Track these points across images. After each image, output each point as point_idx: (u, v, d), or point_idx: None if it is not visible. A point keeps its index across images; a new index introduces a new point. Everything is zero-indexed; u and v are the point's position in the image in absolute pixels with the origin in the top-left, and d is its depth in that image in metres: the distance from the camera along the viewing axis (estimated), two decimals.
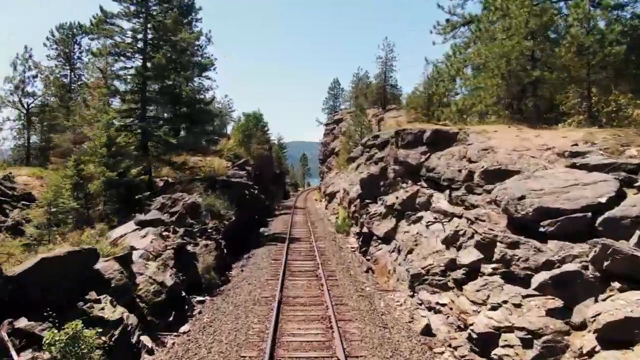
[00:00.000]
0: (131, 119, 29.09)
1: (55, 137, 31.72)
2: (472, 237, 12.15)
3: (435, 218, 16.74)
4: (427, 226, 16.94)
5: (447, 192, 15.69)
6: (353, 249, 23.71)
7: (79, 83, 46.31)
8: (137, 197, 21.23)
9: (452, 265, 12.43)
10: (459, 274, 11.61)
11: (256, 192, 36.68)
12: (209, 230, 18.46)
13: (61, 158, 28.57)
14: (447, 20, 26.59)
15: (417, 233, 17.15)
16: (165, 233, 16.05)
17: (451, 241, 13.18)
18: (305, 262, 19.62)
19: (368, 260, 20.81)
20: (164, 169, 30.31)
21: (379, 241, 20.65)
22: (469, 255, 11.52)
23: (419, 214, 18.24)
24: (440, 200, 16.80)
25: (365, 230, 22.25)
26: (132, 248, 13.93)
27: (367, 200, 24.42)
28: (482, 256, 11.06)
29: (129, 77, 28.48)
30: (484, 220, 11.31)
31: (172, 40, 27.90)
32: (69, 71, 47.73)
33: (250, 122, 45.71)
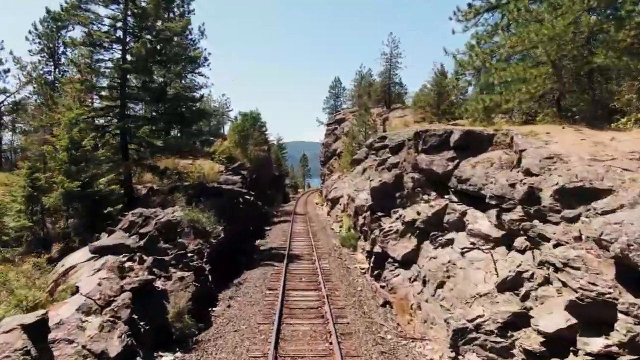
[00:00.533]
0: (109, 118, 25.37)
1: (23, 138, 27.91)
2: (546, 283, 8.39)
3: (473, 244, 13.00)
4: (462, 253, 13.20)
5: (493, 212, 11.91)
6: (363, 271, 19.95)
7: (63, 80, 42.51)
8: (107, 210, 17.48)
9: (516, 322, 8.67)
10: (533, 342, 7.85)
11: (252, 199, 32.91)
12: (189, 255, 14.66)
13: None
14: (469, 5, 22.70)
15: (449, 262, 13.39)
16: (128, 264, 12.27)
17: (511, 286, 9.43)
18: (307, 292, 15.85)
19: (383, 287, 17.03)
20: (148, 175, 26.54)
21: (396, 264, 16.89)
22: (550, 316, 7.76)
23: (449, 236, 14.49)
24: (480, 221, 13.04)
25: (377, 249, 18.49)
26: (77, 290, 10.18)
27: (379, 213, 20.65)
28: (575, 321, 7.30)
29: (106, 70, 24.74)
30: (577, 268, 7.52)
31: (154, 28, 24.09)
32: (53, 67, 43.92)
33: (246, 122, 41.92)
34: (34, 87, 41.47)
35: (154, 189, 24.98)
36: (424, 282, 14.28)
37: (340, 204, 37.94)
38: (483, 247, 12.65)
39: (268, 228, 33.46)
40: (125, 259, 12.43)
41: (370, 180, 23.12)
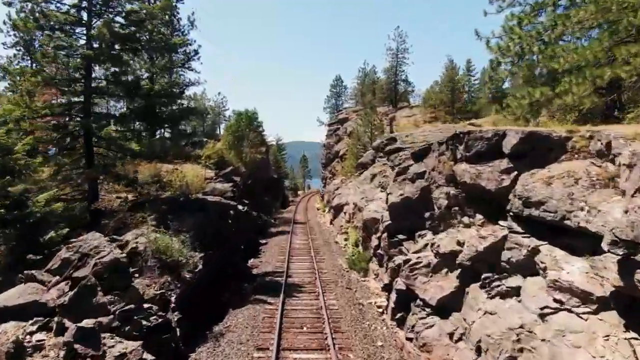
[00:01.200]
0: (72, 115, 20.94)
1: None
2: None
3: (560, 302, 8.57)
4: (541, 316, 8.77)
5: (609, 261, 7.49)
6: (380, 310, 15.51)
7: None
8: (46, 238, 13.05)
9: None
10: None
11: (245, 209, 28.46)
12: (146, 307, 10.22)
13: None
14: None
15: (521, 326, 8.95)
16: (37, 337, 7.84)
17: None
18: (310, 353, 11.40)
19: (410, 340, 12.60)
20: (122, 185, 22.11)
21: (428, 310, 12.47)
22: None
23: (512, 282, 10.07)
24: (568, 267, 8.63)
25: (400, 285, 14.05)
26: None
27: (399, 236, 16.24)
28: None
29: (69, 59, 20.28)
30: None
31: (124, 7, 19.66)
32: (29, 62, 39.41)
33: (241, 122, 37.48)
34: (9, 84, 37.12)
35: (128, 200, 20.57)
36: (479, 351, 9.84)
37: (344, 213, 33.52)
38: (578, 310, 8.22)
39: (264, 242, 29.02)
40: (34, 327, 8.00)
41: (389, 194, 18.59)
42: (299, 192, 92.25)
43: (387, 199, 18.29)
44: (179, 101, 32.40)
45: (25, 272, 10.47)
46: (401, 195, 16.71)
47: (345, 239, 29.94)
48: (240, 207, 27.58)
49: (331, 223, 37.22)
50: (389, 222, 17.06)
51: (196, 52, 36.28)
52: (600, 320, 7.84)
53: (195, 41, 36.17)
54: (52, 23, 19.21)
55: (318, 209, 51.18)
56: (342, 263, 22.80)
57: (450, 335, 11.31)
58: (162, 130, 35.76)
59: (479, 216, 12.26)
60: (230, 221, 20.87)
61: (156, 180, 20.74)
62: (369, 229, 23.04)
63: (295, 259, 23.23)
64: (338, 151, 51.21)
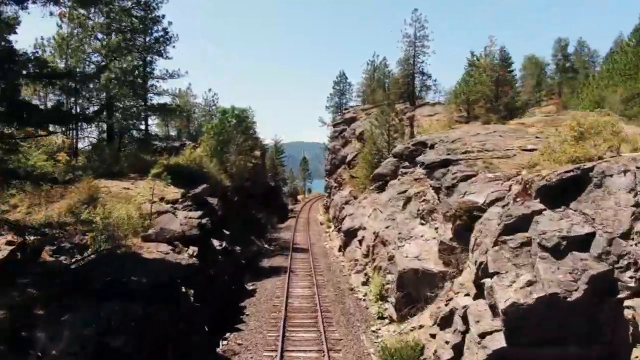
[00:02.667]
0: None
1: None
2: None
3: None
4: None
5: None
6: None
7: None
8: None
9: None
10: None
11: (224, 245, 19.54)
12: None
13: None
14: None
15: None
16: None
17: None
18: None
19: None
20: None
21: None
22: None
23: None
24: None
25: None
26: None
27: None
28: None
29: None
30: None
31: None
32: None
33: (226, 122, 28.46)
34: None
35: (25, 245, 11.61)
36: None
37: (360, 242, 24.61)
38: None
39: (251, 287, 20.07)
40: None
41: (508, 287, 9.10)
42: (299, 197, 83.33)
43: (503, 298, 9.09)
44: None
45: None
46: (536, 288, 7.61)
47: (364, 283, 21.05)
48: (216, 242, 18.67)
49: (340, 250, 28.28)
50: (508, 337, 7.96)
51: (166, 32, 27.34)
52: None
53: (170, 23, 27.11)
54: None
55: (322, 224, 42.22)
56: (369, 347, 13.77)
57: None
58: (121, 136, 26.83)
59: None
60: (180, 303, 11.72)
61: (58, 222, 11.70)
62: (411, 287, 14.19)
63: (293, 336, 14.23)
64: (345, 156, 42.20)
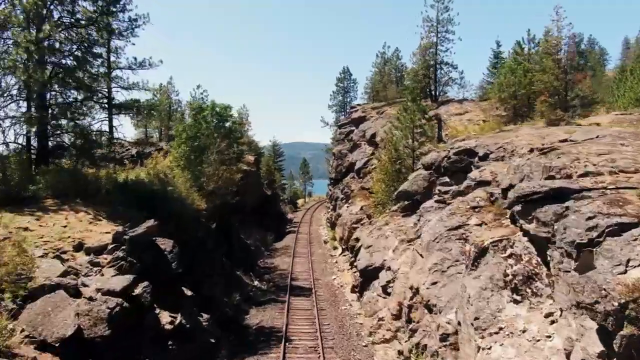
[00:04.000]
0: None
1: None
2: None
3: None
4: None
5: None
6: None
7: None
8: None
9: None
10: None
11: (177, 322, 11.89)
12: None
13: None
14: None
15: None
16: None
17: None
18: None
19: None
20: None
21: None
22: None
23: None
24: None
25: None
26: None
27: None
28: None
29: None
30: None
31: None
32: None
33: (203, 123, 20.82)
34: None
35: None
36: None
37: (385, 292, 17.07)
38: None
39: None
40: None
41: None
42: (300, 202, 75.82)
43: None
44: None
45: None
46: None
47: None
48: (166, 318, 11.12)
49: (354, 291, 20.74)
50: None
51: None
52: None
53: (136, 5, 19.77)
54: None
55: (325, 242, 34.66)
56: None
57: None
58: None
59: None
60: None
61: None
62: None
63: None
64: (353, 163, 34.62)
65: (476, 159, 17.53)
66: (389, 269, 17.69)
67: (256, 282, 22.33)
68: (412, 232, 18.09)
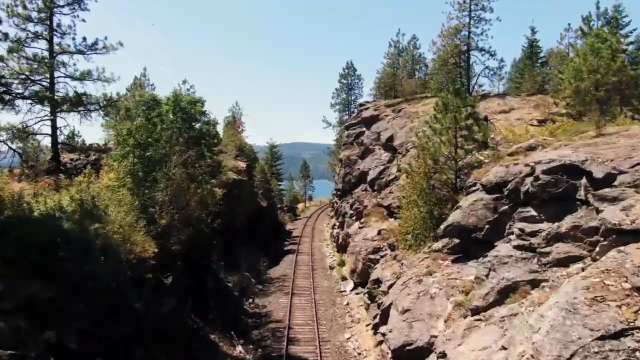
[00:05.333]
0: None
1: None
2: None
3: None
4: None
5: None
6: None
7: None
8: None
9: None
10: None
11: None
12: None
13: None
14: None
15: None
16: None
17: None
18: None
19: None
20: None
21: None
22: None
23: None
24: None
25: None
26: None
27: None
28: None
29: None
30: None
31: None
32: None
33: (159, 124, 13.75)
34: None
35: None
36: None
37: None
38: None
39: None
40: None
41: None
42: (300, 208, 68.75)
43: None
44: None
45: None
46: None
47: None
48: None
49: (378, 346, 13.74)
50: None
51: None
52: None
53: None
54: None
55: (332, 268, 27.64)
56: None
57: None
58: None
59: None
60: None
61: None
62: None
63: None
64: (365, 172, 27.57)
65: (584, 180, 10.55)
66: (442, 356, 10.68)
67: (239, 349, 15.31)
68: (479, 296, 11.07)
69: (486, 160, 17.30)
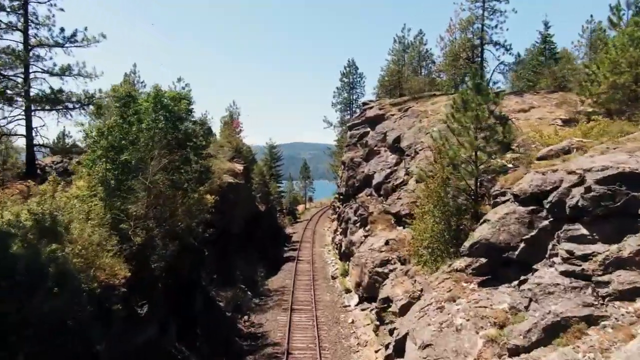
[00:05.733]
0: None
1: None
2: None
3: None
4: None
5: None
6: None
7: None
8: None
9: None
10: None
11: None
12: None
13: None
14: None
15: None
16: None
17: None
18: None
19: None
20: None
21: None
22: None
23: None
24: None
25: None
26: None
27: None
28: None
29: None
30: None
31: None
32: None
33: (135, 124, 11.65)
34: None
35: None
36: None
37: None
38: None
39: None
40: None
41: None
42: (300, 209, 66.75)
43: None
44: None
45: None
46: None
47: None
48: None
49: None
50: None
51: None
52: None
53: None
54: None
55: (334, 278, 25.64)
56: None
57: None
58: None
59: None
60: None
61: None
62: None
63: None
64: (370, 175, 25.50)
65: None
66: None
67: None
68: (518, 333, 9.01)
69: (509, 165, 15.27)
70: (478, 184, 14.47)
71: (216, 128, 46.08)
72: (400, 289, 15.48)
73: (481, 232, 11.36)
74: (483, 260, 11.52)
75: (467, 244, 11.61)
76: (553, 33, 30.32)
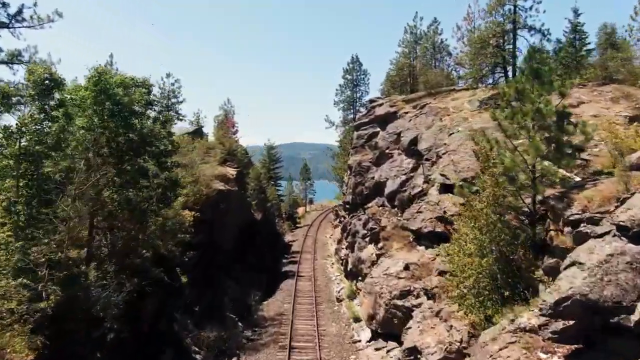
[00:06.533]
0: None
1: None
2: None
3: None
4: None
5: None
6: None
7: None
8: None
9: None
10: None
11: None
12: None
13: None
14: None
15: None
16: None
17: None
18: None
19: None
20: None
21: None
22: None
23: None
24: None
25: None
26: None
27: None
28: None
29: None
30: None
31: None
32: None
33: (62, 120, 7.89)
34: None
35: None
36: None
37: None
38: None
39: None
40: None
41: None
42: (300, 212, 62.87)
43: None
44: None
45: None
46: None
47: None
48: None
49: None
50: None
51: None
52: None
53: None
54: None
55: (339, 300, 21.88)
56: None
57: None
58: None
59: None
60: None
61: None
62: None
63: None
64: (382, 182, 21.69)
65: None
66: None
67: None
68: None
69: (577, 178, 11.48)
70: (541, 203, 10.66)
71: (209, 128, 42.18)
72: (431, 337, 11.71)
73: (572, 284, 7.52)
74: (570, 321, 7.73)
75: (548, 298, 7.77)
76: (584, 22, 26.43)
